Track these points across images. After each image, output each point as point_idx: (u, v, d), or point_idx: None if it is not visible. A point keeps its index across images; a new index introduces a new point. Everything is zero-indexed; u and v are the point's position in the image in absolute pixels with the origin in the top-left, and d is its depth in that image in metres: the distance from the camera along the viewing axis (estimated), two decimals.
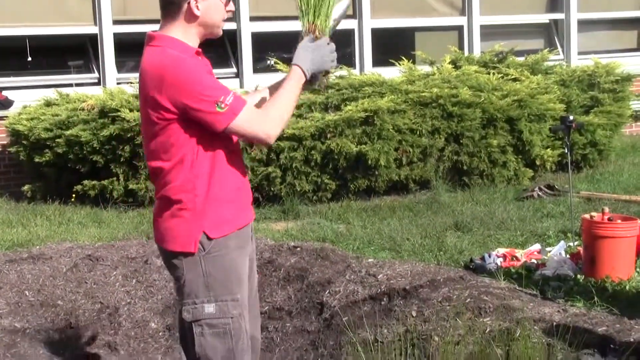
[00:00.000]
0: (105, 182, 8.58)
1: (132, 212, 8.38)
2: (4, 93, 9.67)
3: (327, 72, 3.43)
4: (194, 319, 3.31)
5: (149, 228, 7.61)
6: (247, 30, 10.68)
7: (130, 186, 8.51)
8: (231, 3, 3.38)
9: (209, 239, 3.28)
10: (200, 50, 3.33)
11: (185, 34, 3.29)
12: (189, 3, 3.25)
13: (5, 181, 9.61)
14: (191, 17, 3.28)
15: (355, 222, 7.84)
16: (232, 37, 10.64)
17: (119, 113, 8.49)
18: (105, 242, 7.01)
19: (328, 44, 3.39)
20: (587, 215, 5.93)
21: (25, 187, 8.94)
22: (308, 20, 3.43)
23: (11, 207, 8.72)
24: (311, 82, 3.39)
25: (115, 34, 10.15)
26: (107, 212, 8.36)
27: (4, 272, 6.18)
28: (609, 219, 5.79)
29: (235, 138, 3.34)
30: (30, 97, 9.58)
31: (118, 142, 8.49)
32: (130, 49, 10.06)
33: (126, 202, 8.59)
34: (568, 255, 6.18)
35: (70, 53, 10.43)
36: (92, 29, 10.05)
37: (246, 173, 3.48)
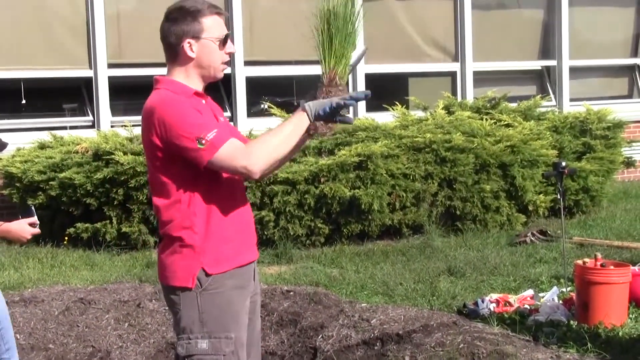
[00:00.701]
0: (98, 224, 8.57)
1: (124, 255, 8.36)
2: None
3: (336, 119, 3.33)
4: (187, 354, 3.33)
5: (141, 271, 7.59)
6: (242, 74, 10.75)
7: (124, 229, 8.50)
8: (231, 45, 3.40)
9: (207, 275, 3.29)
10: (200, 91, 3.36)
11: (187, 76, 3.36)
12: (183, 46, 3.30)
13: None
14: (187, 59, 3.34)
15: (349, 267, 7.83)
16: (226, 81, 10.71)
17: (112, 156, 8.51)
18: (97, 285, 6.98)
19: (342, 89, 3.41)
20: (579, 261, 5.94)
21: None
22: (329, 65, 3.42)
23: (3, 249, 8.68)
24: (319, 128, 3.36)
25: (110, 77, 10.20)
26: (99, 255, 8.34)
27: None
28: (601, 265, 5.79)
29: (237, 177, 3.36)
30: (25, 139, 9.60)
31: (112, 185, 8.50)
32: (124, 92, 10.11)
33: (119, 245, 8.57)
34: (561, 301, 6.18)
35: (64, 96, 10.47)
36: (87, 72, 10.10)
37: (249, 213, 3.48)
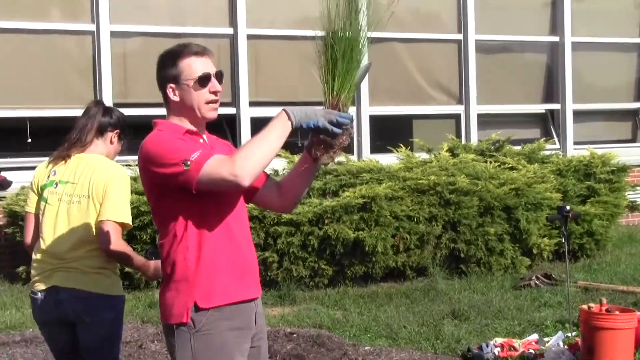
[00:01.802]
0: None
1: (127, 295, 8.29)
2: (3, 174, 9.70)
3: (342, 144, 3.24)
4: None
5: (143, 312, 7.55)
6: (247, 115, 10.78)
7: (126, 269, 8.45)
8: (215, 84, 3.35)
9: (198, 309, 3.23)
10: (193, 129, 3.34)
11: (180, 119, 3.37)
12: (167, 91, 3.36)
13: (0, 262, 9.56)
14: (174, 103, 3.37)
15: (352, 309, 7.79)
16: (231, 122, 10.74)
17: None
18: None
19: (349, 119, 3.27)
20: (585, 306, 5.90)
21: (20, 269, 8.88)
22: (332, 92, 3.27)
23: (5, 289, 8.66)
24: (320, 157, 3.28)
25: None
26: None
27: None
28: (607, 310, 5.76)
29: (236, 211, 3.31)
30: (29, 178, 9.55)
31: None
32: (129, 132, 10.12)
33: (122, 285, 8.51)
34: (566, 346, 6.13)
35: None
36: None
37: (250, 251, 3.40)
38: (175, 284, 3.27)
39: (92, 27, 10.25)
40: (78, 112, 5.22)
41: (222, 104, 3.37)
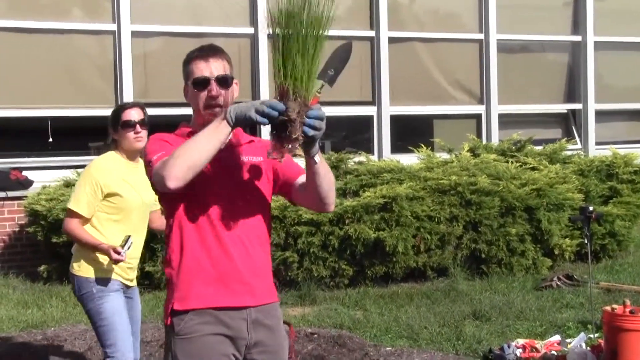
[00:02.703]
0: None
1: (148, 294, 8.33)
2: (24, 173, 9.74)
3: (295, 139, 2.96)
4: None
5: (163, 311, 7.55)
6: None
7: (147, 269, 8.48)
8: (213, 88, 3.24)
9: (175, 311, 3.21)
10: (195, 130, 3.25)
11: (195, 119, 3.33)
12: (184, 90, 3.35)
13: (21, 261, 9.60)
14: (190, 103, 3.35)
15: (373, 309, 7.77)
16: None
17: None
18: None
19: (301, 112, 2.98)
20: (608, 308, 5.85)
21: (42, 268, 8.93)
22: (281, 80, 2.99)
23: (27, 288, 8.69)
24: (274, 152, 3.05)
25: None
26: None
27: (17, 354, 6.13)
28: (630, 312, 5.70)
29: (229, 219, 3.22)
30: (50, 177, 9.64)
31: None
32: (150, 132, 10.14)
33: (142, 285, 8.52)
34: (589, 348, 6.08)
35: (90, 134, 10.51)
36: None
37: (247, 258, 3.24)
38: (167, 287, 3.30)
39: (114, 27, 10.28)
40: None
41: None
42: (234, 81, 3.32)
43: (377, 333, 6.92)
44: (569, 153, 11.18)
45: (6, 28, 9.91)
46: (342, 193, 9.07)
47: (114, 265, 4.68)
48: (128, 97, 10.21)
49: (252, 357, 3.27)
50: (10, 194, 9.47)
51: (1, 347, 6.36)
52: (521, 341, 6.30)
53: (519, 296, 8.10)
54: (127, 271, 4.80)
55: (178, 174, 3.00)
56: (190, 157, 3.01)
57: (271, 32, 3.02)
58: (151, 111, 10.19)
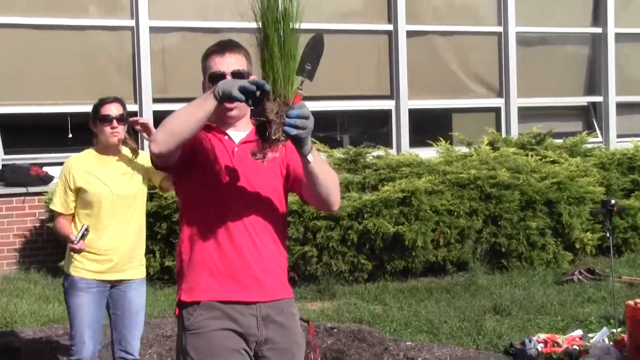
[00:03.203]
0: None
1: (167, 289, 8.34)
2: (44, 169, 9.77)
3: (275, 140, 2.92)
4: None
5: None
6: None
7: (167, 263, 8.49)
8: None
9: (182, 303, 3.21)
10: (212, 125, 3.27)
11: (216, 114, 3.25)
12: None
13: (43, 256, 9.63)
14: None
15: (392, 304, 7.74)
16: None
17: (156, 190, 8.50)
18: None
19: (279, 112, 2.95)
20: (631, 302, 5.80)
21: (62, 263, 8.93)
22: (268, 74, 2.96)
23: (48, 283, 8.72)
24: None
25: (154, 112, 10.27)
26: None
27: (40, 348, 6.15)
28: None
29: (240, 214, 3.21)
30: None
31: (155, 219, 8.50)
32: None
33: (162, 279, 8.56)
34: (611, 342, 6.03)
35: None
36: (133, 107, 10.18)
37: (258, 253, 3.22)
38: (177, 278, 3.31)
39: (132, 23, 10.29)
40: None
41: None
42: (251, 76, 3.29)
43: (396, 327, 6.90)
44: (589, 146, 11.11)
45: (26, 25, 9.93)
46: (360, 187, 9.05)
47: (85, 261, 4.83)
48: (146, 92, 10.22)
49: (263, 354, 3.25)
50: (31, 189, 9.50)
51: (23, 342, 6.39)
52: (542, 336, 6.26)
53: (539, 290, 8.05)
54: (103, 263, 4.84)
55: (160, 139, 3.03)
56: (174, 124, 3.05)
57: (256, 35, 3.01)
58: (170, 106, 10.26)
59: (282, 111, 2.91)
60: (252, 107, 2.99)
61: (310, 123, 2.95)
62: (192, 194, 3.23)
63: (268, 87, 2.91)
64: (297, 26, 2.98)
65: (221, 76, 3.23)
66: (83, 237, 4.73)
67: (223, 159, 3.24)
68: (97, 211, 4.81)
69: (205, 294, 3.19)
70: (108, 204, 4.82)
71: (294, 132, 2.89)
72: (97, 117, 4.93)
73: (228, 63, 3.27)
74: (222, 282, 3.19)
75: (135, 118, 5.00)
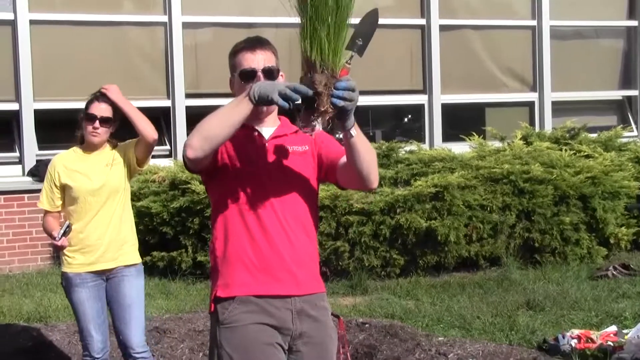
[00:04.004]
0: (174, 253, 8.62)
1: (199, 284, 8.38)
2: None
3: (324, 112, 2.95)
4: None
5: None
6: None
7: (199, 258, 8.53)
8: (258, 79, 3.22)
9: (218, 299, 3.21)
10: (247, 124, 3.22)
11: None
12: (230, 83, 3.37)
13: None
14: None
15: (424, 299, 7.72)
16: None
17: (189, 185, 8.57)
18: (172, 314, 7.00)
19: (328, 84, 2.95)
20: None
21: None
22: (306, 51, 2.97)
23: None
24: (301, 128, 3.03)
25: (187, 107, 10.32)
26: (175, 283, 8.39)
27: (72, 343, 6.20)
28: None
29: (271, 205, 3.22)
30: None
31: (187, 214, 8.55)
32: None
33: (194, 274, 8.60)
34: None
35: None
36: (166, 102, 10.24)
37: (291, 245, 3.23)
38: (211, 274, 3.32)
39: (165, 19, 10.35)
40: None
41: None
42: (280, 73, 3.30)
43: (429, 323, 6.87)
44: (624, 140, 11.00)
45: (60, 21, 10.03)
46: (393, 182, 9.03)
47: (75, 255, 4.88)
48: (179, 88, 10.28)
49: (297, 348, 3.25)
50: None
51: (56, 336, 6.44)
52: (576, 331, 6.20)
53: (573, 286, 7.99)
54: (92, 254, 4.87)
55: (195, 144, 3.03)
56: (209, 128, 3.05)
57: (296, 5, 3.01)
58: (202, 102, 10.34)
59: (330, 83, 2.93)
60: (302, 104, 2.98)
61: (356, 96, 2.96)
62: (225, 192, 3.24)
63: (311, 93, 2.93)
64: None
65: (252, 73, 3.23)
66: (65, 234, 4.78)
67: (254, 154, 3.25)
68: (83, 204, 4.88)
69: (241, 288, 3.20)
70: (92, 196, 4.89)
71: (341, 103, 2.92)
72: (84, 112, 5.02)
73: (259, 60, 3.26)
74: (257, 276, 3.19)
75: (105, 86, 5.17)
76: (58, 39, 10.07)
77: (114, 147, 5.05)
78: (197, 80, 10.65)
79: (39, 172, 9.58)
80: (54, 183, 4.97)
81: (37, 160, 9.76)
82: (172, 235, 8.67)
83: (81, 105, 10.20)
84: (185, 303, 7.58)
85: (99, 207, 4.89)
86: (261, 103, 3.02)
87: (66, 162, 5.01)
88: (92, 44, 10.19)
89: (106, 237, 4.89)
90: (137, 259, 5.02)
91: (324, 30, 2.93)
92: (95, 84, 10.02)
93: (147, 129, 4.99)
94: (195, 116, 10.26)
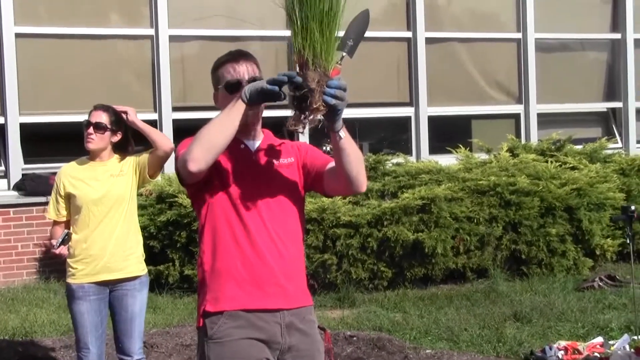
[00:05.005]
0: (161, 267, 8.60)
1: (187, 298, 8.36)
2: None
3: (316, 109, 2.96)
4: None
5: None
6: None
7: (186, 272, 8.51)
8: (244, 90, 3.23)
9: (207, 313, 3.19)
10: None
11: None
12: (214, 97, 3.39)
13: (62, 265, 9.62)
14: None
15: (412, 311, 7.73)
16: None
17: (176, 199, 8.56)
18: (160, 328, 6.98)
19: (320, 81, 2.97)
20: None
21: None
22: (298, 49, 3.00)
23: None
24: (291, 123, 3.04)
25: (174, 120, 10.31)
26: (162, 297, 8.36)
27: (59, 358, 6.18)
28: None
29: (262, 219, 3.22)
30: None
31: (175, 228, 8.54)
32: (188, 135, 10.18)
33: (181, 288, 8.58)
34: (633, 350, 5.99)
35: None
36: (153, 115, 10.22)
37: (280, 259, 3.22)
38: (199, 288, 3.30)
39: (151, 32, 10.35)
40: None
41: (274, 107, 3.26)
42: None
43: (416, 335, 6.88)
44: (609, 152, 11.06)
45: (46, 34, 10.01)
46: (380, 194, 9.04)
47: (79, 266, 4.92)
48: (166, 101, 10.27)
49: None
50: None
51: (42, 351, 6.42)
52: (563, 343, 6.23)
53: (560, 297, 8.01)
54: (96, 264, 4.90)
55: (198, 156, 3.04)
56: (208, 139, 3.06)
57: (286, 4, 3.03)
58: (189, 115, 10.33)
59: (322, 81, 2.96)
60: (293, 102, 3.01)
61: (346, 95, 3.01)
62: (213, 205, 3.24)
63: (298, 78, 2.96)
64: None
65: (238, 84, 3.25)
66: (64, 242, 4.84)
67: (241, 167, 3.27)
68: (86, 213, 4.91)
69: (231, 303, 3.18)
70: (95, 205, 4.92)
71: (332, 101, 2.96)
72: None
73: (243, 71, 3.30)
74: (247, 289, 3.18)
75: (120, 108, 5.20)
76: (44, 52, 10.05)
77: (122, 158, 5.08)
78: (184, 94, 10.64)
79: (24, 186, 9.56)
80: (59, 193, 5.01)
81: (22, 174, 9.72)
82: (159, 248, 8.65)
83: (67, 118, 10.24)
84: (173, 317, 7.55)
85: (103, 217, 4.92)
86: (253, 100, 3.06)
87: (72, 171, 5.06)
88: (79, 58, 10.18)
89: (109, 247, 4.91)
90: (142, 270, 5.05)
91: (317, 29, 2.96)
92: (81, 97, 10.07)
93: (163, 139, 5.10)
94: (182, 129, 10.25)
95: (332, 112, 3.01)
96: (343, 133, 3.10)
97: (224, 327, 3.18)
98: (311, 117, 2.99)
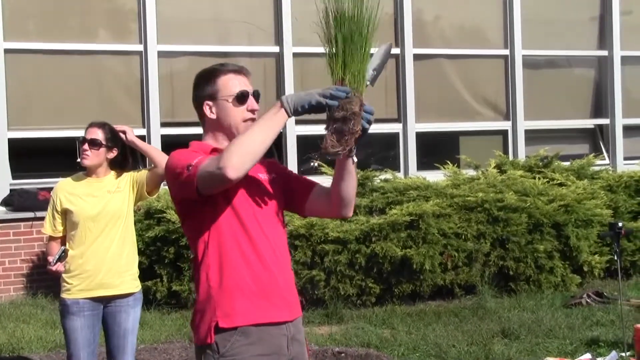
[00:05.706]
0: (149, 283, 8.56)
1: (175, 313, 8.34)
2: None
3: (356, 132, 3.04)
4: None
5: (191, 331, 7.55)
6: (292, 133, 10.77)
7: (174, 287, 8.49)
8: (252, 102, 3.32)
9: (220, 329, 3.16)
10: (221, 148, 3.26)
11: (215, 139, 3.35)
12: (204, 109, 3.36)
13: (50, 281, 9.62)
14: (211, 122, 3.35)
15: (400, 327, 7.73)
16: (277, 139, 10.68)
17: (164, 214, 8.55)
18: (147, 344, 6.96)
19: (362, 105, 3.08)
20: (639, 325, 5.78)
21: None
22: (337, 75, 3.09)
23: (55, 308, 8.70)
24: (328, 147, 3.08)
25: (162, 136, 10.31)
26: (150, 313, 8.33)
27: None
28: None
29: (264, 231, 3.25)
30: None
31: (163, 244, 8.52)
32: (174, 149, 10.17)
33: (169, 304, 8.56)
34: None
35: None
36: (141, 131, 10.22)
37: (282, 270, 3.28)
38: (200, 304, 3.25)
39: (140, 48, 10.36)
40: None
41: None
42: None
43: (404, 352, 6.88)
44: (596, 168, 11.11)
45: (35, 50, 10.01)
46: (368, 211, 9.05)
47: (74, 282, 4.90)
48: (155, 117, 10.27)
49: None
50: (39, 214, 9.51)
51: None
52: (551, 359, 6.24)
53: (548, 314, 8.03)
54: (91, 279, 4.89)
55: (237, 164, 3.01)
56: (248, 146, 3.05)
57: (325, 32, 3.10)
58: (178, 130, 10.31)
59: (361, 106, 3.07)
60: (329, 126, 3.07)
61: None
62: (218, 219, 3.22)
63: (350, 91, 3.05)
64: (374, 30, 3.12)
65: (247, 95, 3.31)
66: (60, 259, 4.83)
67: (240, 182, 3.22)
68: (82, 229, 4.91)
69: (243, 318, 3.18)
70: (91, 221, 4.93)
71: (367, 126, 3.08)
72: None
73: (248, 83, 3.36)
74: (256, 303, 3.20)
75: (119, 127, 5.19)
76: (33, 68, 10.05)
77: (119, 175, 5.08)
78: (173, 109, 10.65)
79: (12, 201, 9.53)
80: (56, 209, 5.03)
81: (10, 190, 9.70)
82: (147, 264, 8.62)
83: (56, 134, 10.23)
84: (160, 333, 7.53)
85: (99, 233, 4.92)
86: (299, 112, 3.10)
87: (69, 186, 5.06)
88: (67, 73, 10.18)
89: (105, 263, 4.91)
90: (136, 287, 5.06)
91: (356, 56, 3.06)
92: (70, 113, 10.07)
93: (163, 158, 5.02)
94: (170, 145, 10.24)
95: (364, 136, 3.10)
96: (356, 157, 3.21)
97: (237, 344, 3.17)
98: (348, 139, 3.06)
